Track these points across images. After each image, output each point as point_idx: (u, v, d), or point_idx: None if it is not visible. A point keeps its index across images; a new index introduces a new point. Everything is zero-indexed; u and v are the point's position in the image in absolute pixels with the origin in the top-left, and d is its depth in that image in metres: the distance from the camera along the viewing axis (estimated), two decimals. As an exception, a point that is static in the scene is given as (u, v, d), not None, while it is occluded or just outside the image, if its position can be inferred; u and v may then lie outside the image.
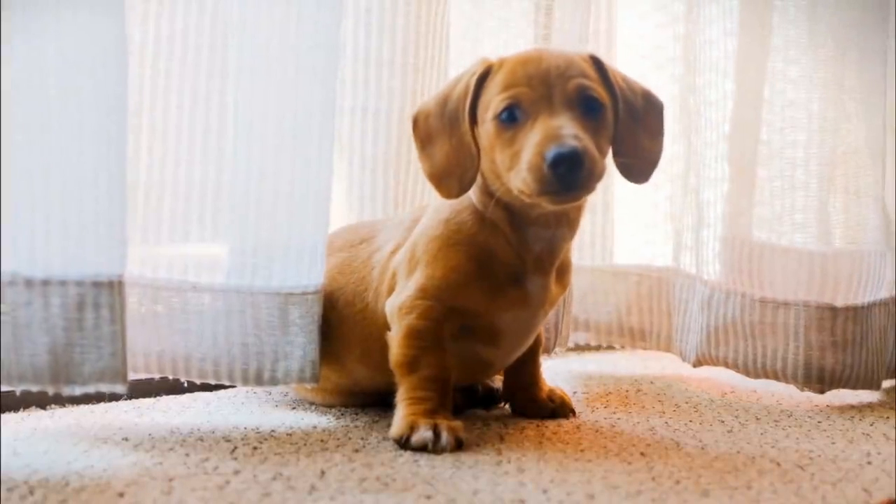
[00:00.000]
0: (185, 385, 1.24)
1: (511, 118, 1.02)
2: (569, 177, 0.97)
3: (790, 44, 1.41)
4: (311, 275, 1.13)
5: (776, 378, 1.39)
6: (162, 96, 1.12)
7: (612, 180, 1.59)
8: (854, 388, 1.38)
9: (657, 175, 1.54)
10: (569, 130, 0.98)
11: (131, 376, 1.19)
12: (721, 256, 1.44)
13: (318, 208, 1.13)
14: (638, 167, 1.11)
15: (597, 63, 1.08)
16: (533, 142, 0.99)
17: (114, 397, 1.22)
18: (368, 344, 1.14)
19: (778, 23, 1.41)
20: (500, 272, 1.09)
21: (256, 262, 1.12)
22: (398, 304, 1.09)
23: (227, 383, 1.14)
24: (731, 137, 1.43)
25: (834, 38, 1.40)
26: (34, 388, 0.97)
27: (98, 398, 1.21)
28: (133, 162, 1.11)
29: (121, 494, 0.85)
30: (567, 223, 1.10)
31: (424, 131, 1.09)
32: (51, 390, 0.97)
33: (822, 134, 1.40)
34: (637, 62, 1.59)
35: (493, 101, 1.03)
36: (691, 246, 1.48)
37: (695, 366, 1.46)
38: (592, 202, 1.56)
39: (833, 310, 1.36)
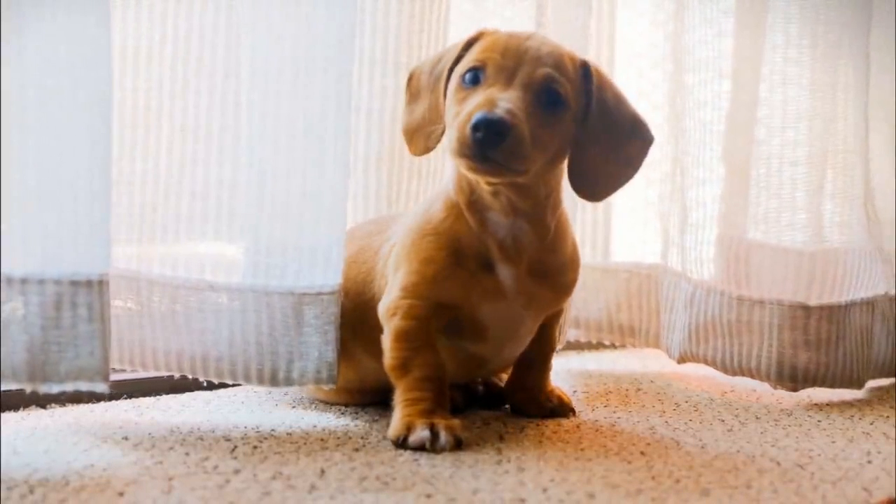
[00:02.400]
0: (186, 383, 1.23)
1: (473, 80, 1.03)
2: (485, 144, 0.97)
3: (787, 43, 1.41)
4: (327, 275, 1.13)
5: (751, 376, 1.39)
6: (180, 96, 1.13)
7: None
8: (831, 386, 1.37)
9: (650, 172, 1.56)
10: (506, 104, 0.98)
11: (149, 374, 1.20)
12: (715, 255, 1.43)
13: (334, 208, 1.13)
14: (590, 185, 1.10)
15: (583, 68, 1.07)
16: (472, 104, 1.00)
17: (113, 396, 1.22)
18: (375, 335, 1.13)
19: (773, 22, 1.41)
20: (470, 258, 1.08)
21: (270, 262, 1.12)
22: (386, 306, 1.09)
23: (242, 383, 1.14)
24: (726, 136, 1.43)
25: (826, 37, 1.40)
26: (12, 386, 0.97)
27: (98, 397, 1.21)
28: (153, 162, 1.12)
29: (121, 493, 0.85)
30: (524, 217, 1.08)
31: (415, 87, 1.13)
32: (28, 388, 0.96)
33: (812, 133, 1.40)
34: (634, 60, 1.60)
35: (464, 62, 1.05)
36: (678, 243, 1.48)
37: (679, 362, 1.46)
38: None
39: (806, 308, 1.36)
